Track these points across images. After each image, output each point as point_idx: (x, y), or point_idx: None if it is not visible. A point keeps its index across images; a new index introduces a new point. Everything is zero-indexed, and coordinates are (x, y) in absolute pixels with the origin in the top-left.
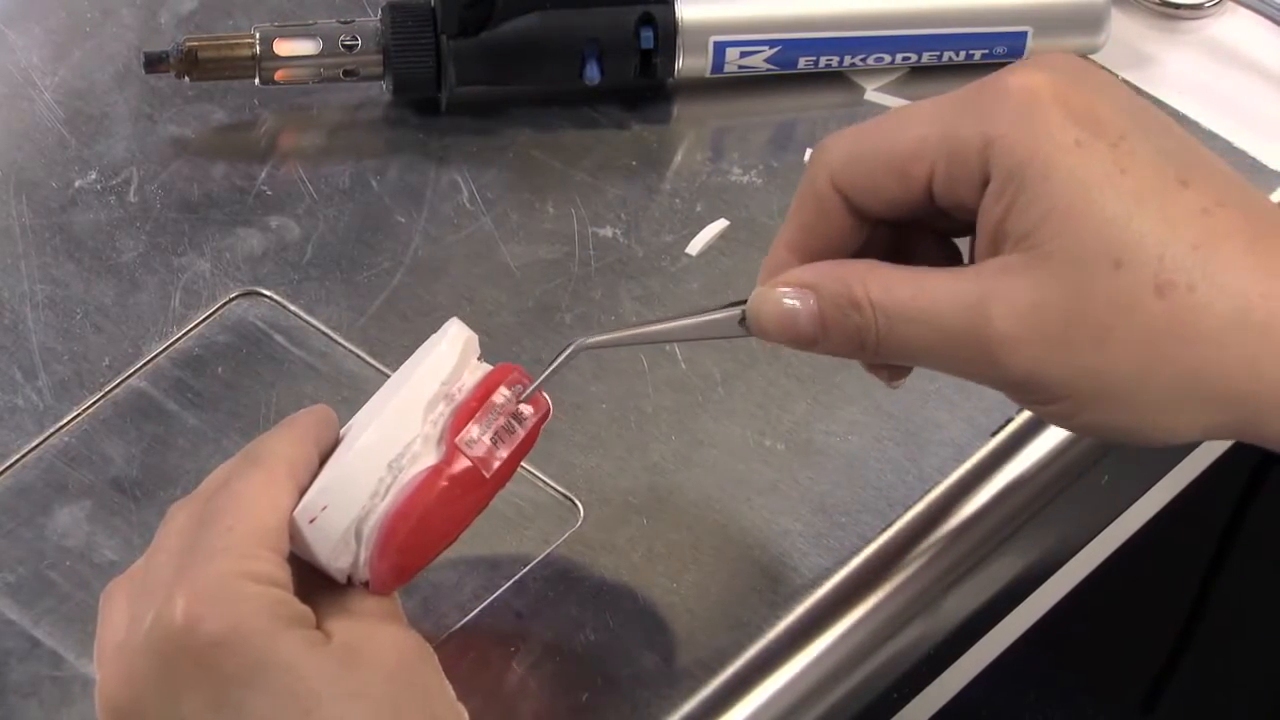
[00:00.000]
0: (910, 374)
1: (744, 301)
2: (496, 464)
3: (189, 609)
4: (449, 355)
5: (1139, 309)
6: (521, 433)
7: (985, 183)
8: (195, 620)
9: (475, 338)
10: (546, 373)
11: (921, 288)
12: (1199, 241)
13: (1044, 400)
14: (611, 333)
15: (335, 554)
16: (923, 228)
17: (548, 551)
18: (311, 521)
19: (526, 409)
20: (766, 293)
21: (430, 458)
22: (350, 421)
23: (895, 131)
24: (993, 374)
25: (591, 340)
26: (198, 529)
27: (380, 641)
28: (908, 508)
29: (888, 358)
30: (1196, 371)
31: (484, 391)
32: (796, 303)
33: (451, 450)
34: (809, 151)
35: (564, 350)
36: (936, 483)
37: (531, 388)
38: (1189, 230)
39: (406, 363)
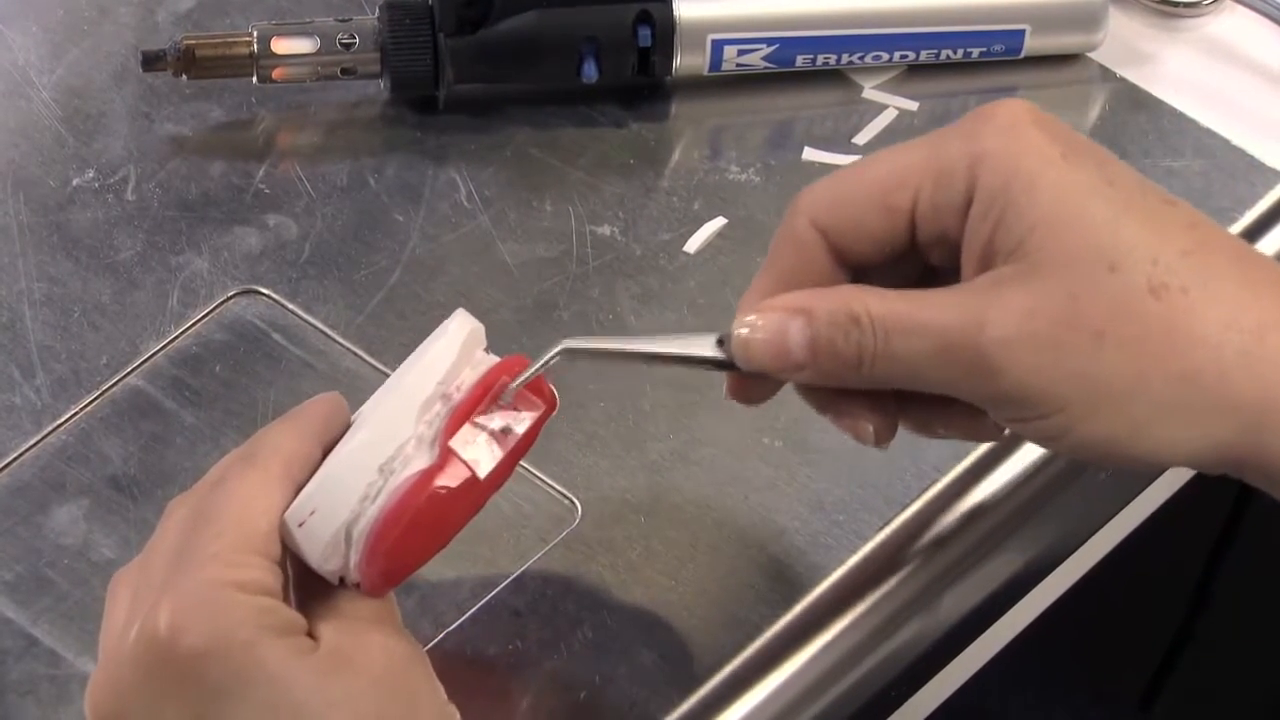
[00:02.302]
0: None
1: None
2: (491, 467)
3: (173, 620)
4: (446, 354)
5: (1134, 310)
6: (518, 434)
7: (969, 205)
8: (179, 631)
9: (480, 329)
10: (531, 371)
11: (916, 302)
12: (1188, 250)
13: (1037, 414)
14: (598, 341)
15: (325, 557)
16: (899, 279)
17: (545, 550)
18: (301, 525)
19: (525, 410)
20: (755, 318)
21: (423, 460)
22: (357, 413)
23: (877, 165)
24: (988, 386)
25: (577, 344)
26: (190, 530)
27: (368, 647)
28: (905, 506)
29: (880, 378)
30: (1190, 374)
31: (481, 391)
32: (788, 325)
33: (445, 453)
34: (806, 150)
35: (551, 351)
36: (934, 480)
37: (516, 384)
38: (1179, 239)
39: (413, 354)
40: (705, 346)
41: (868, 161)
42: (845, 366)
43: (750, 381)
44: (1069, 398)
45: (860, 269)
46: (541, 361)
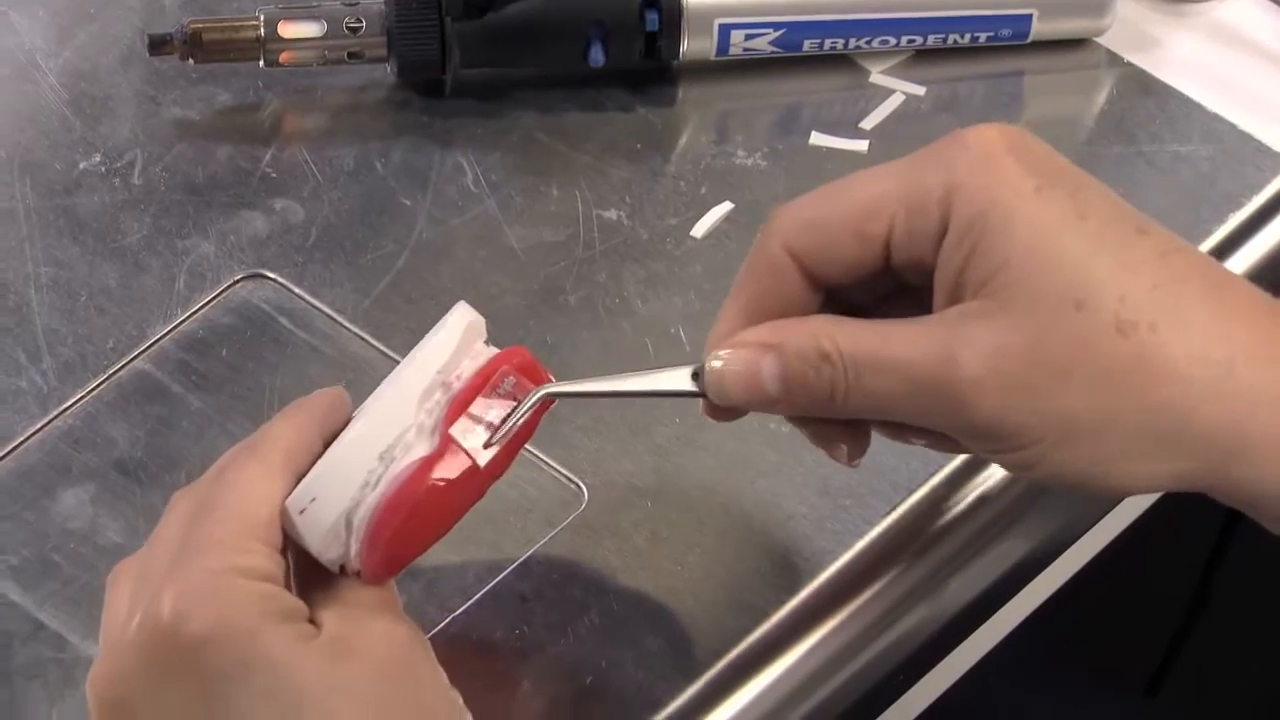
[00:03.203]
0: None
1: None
2: (491, 454)
3: (176, 606)
4: (447, 343)
5: (1101, 348)
6: (519, 421)
7: (943, 234)
8: (182, 618)
9: (481, 321)
10: (515, 421)
11: (887, 337)
12: (1159, 283)
13: (1009, 448)
14: (577, 384)
15: (325, 545)
16: (872, 294)
17: (551, 535)
18: (301, 513)
19: (525, 397)
20: (725, 354)
21: (423, 448)
22: (360, 407)
23: (852, 191)
24: (959, 421)
25: (557, 389)
26: (193, 520)
27: (371, 633)
28: (912, 491)
29: (853, 411)
30: (1160, 410)
31: (481, 379)
32: (760, 360)
33: (445, 441)
34: (814, 134)
35: (531, 396)
36: (941, 466)
37: (500, 434)
38: (1148, 273)
39: (415, 348)
40: (680, 381)
41: (843, 186)
42: (818, 401)
43: (723, 410)
44: (1038, 434)
45: (833, 288)
46: (523, 409)
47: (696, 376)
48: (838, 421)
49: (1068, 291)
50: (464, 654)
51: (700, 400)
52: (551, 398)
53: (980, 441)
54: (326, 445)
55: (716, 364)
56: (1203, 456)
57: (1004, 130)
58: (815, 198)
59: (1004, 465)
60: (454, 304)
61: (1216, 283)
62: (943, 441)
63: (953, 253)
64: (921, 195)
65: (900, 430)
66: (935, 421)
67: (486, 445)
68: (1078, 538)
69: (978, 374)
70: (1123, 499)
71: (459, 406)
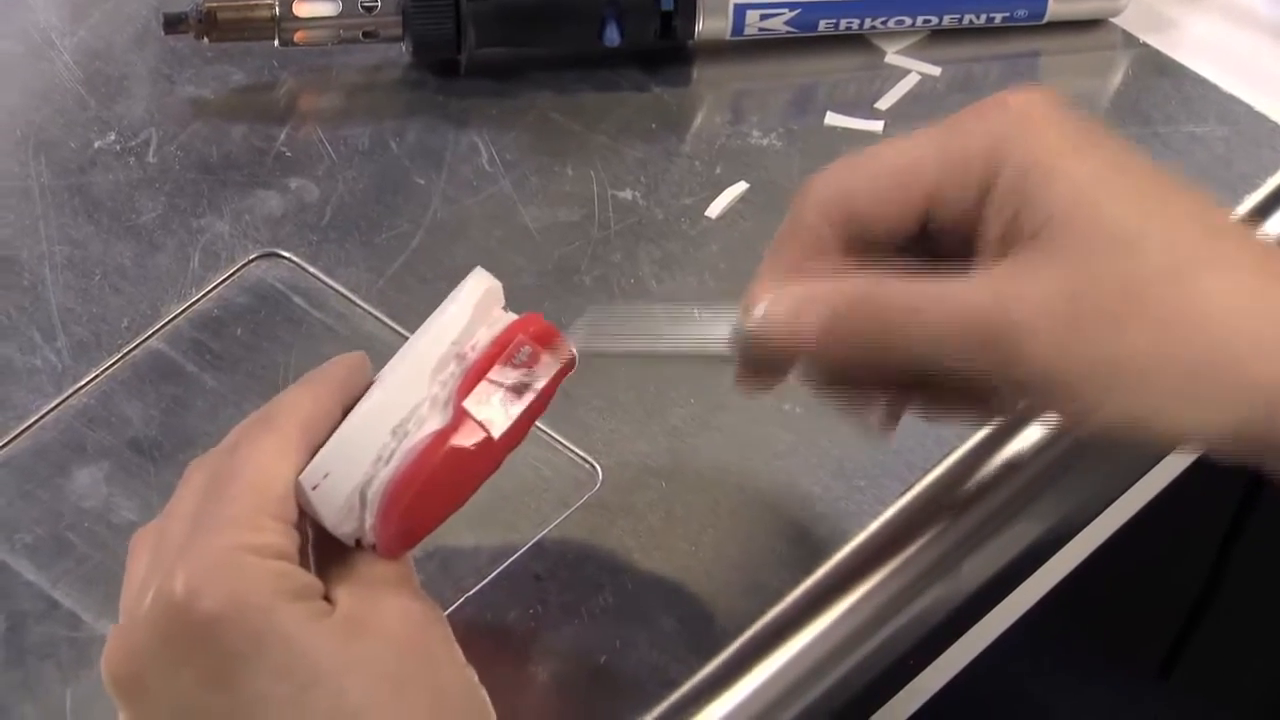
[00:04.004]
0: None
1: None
2: (505, 426)
3: (189, 584)
4: (460, 314)
5: (1150, 295)
6: (534, 392)
7: (985, 196)
8: (194, 596)
9: (498, 287)
10: (537, 388)
11: (937, 289)
12: (1203, 235)
13: (1061, 397)
14: (605, 345)
15: (340, 520)
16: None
17: (566, 514)
18: (315, 488)
19: (541, 367)
20: (770, 297)
21: (437, 421)
22: (378, 374)
23: (890, 156)
24: (1011, 371)
25: (584, 348)
26: (207, 494)
27: (386, 610)
28: (926, 471)
29: (898, 361)
30: (1208, 355)
31: (496, 350)
32: (806, 305)
33: (459, 413)
34: (829, 114)
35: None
36: (955, 447)
37: (522, 403)
38: (1193, 224)
39: (432, 315)
40: (718, 330)
41: (878, 151)
42: (864, 347)
43: (758, 371)
44: (1091, 381)
45: (867, 256)
46: (548, 377)
47: (737, 332)
48: (872, 388)
49: (1118, 238)
50: (478, 633)
51: (718, 381)
52: (574, 362)
53: (1030, 392)
54: (346, 413)
55: (761, 307)
56: (1249, 405)
57: (1046, 95)
58: (849, 165)
59: (1053, 418)
60: (473, 269)
61: (1255, 241)
62: (978, 409)
63: (997, 212)
64: (962, 158)
65: (937, 398)
66: (985, 373)
67: (505, 416)
68: (1093, 519)
69: (1028, 320)
70: (1166, 455)
71: (474, 378)
